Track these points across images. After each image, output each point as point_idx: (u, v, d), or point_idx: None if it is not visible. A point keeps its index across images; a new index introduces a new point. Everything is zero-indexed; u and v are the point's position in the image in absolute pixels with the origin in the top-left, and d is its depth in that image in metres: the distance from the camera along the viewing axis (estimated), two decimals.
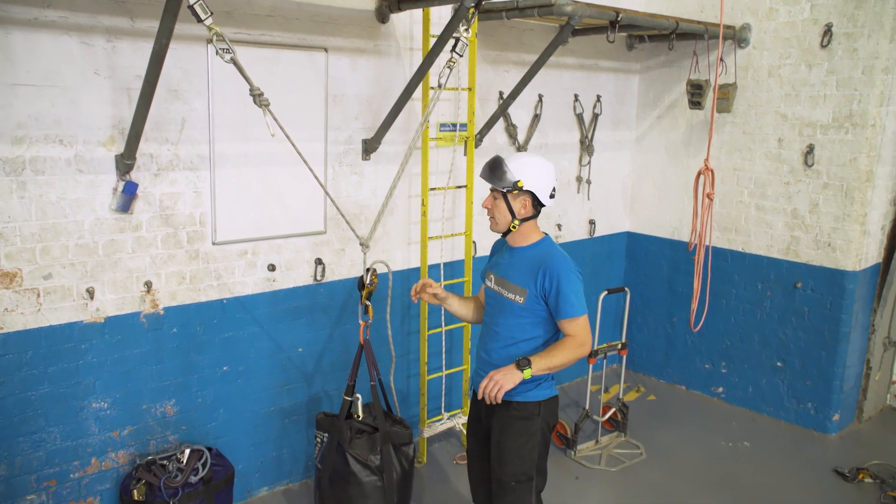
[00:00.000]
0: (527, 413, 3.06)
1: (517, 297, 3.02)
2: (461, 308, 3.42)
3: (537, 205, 3.04)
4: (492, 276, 3.18)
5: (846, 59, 5.05)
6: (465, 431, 5.01)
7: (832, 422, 5.46)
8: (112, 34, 3.39)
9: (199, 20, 2.63)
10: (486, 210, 3.11)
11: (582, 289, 2.99)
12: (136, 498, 3.54)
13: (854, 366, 5.51)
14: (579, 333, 2.95)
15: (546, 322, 3.03)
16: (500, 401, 2.86)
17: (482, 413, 3.23)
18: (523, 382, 2.96)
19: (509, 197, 3.00)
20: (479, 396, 2.91)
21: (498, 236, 3.25)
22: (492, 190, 3.06)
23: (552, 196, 3.07)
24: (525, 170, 2.98)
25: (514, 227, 3.04)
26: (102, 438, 3.71)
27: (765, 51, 5.47)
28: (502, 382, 2.81)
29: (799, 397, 5.58)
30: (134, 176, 3.56)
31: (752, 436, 5.47)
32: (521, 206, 3.01)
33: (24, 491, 3.50)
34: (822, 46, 5.14)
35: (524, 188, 2.97)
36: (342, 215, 3.51)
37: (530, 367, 2.84)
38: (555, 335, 3.08)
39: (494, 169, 3.01)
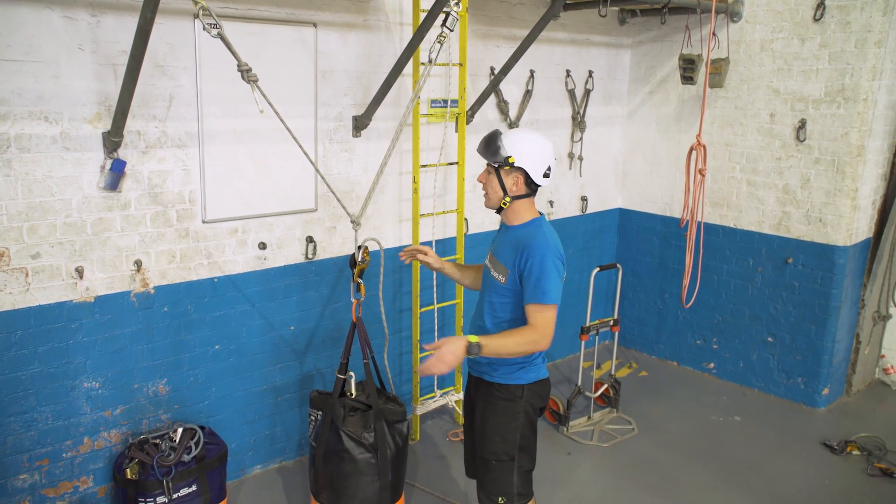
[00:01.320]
0: (510, 395, 3.06)
1: (500, 276, 3.00)
2: (459, 274, 3.44)
3: (531, 183, 2.99)
4: (489, 253, 3.18)
5: (839, 32, 5.02)
6: (457, 409, 5.04)
7: (821, 395, 5.51)
8: (96, 8, 3.32)
9: None
10: (480, 184, 3.09)
11: (559, 277, 2.89)
12: (129, 477, 3.54)
13: (843, 340, 5.55)
14: (540, 325, 2.85)
15: (521, 303, 2.96)
16: (444, 373, 2.75)
17: (472, 389, 3.26)
18: (506, 363, 3.00)
19: (501, 173, 2.97)
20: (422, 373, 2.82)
21: None
22: (487, 164, 3.03)
23: (546, 175, 2.99)
24: (519, 146, 2.93)
25: (504, 204, 3.00)
26: (94, 418, 3.70)
27: (757, 24, 5.43)
28: (445, 362, 2.70)
29: (789, 372, 5.63)
30: (121, 153, 3.51)
31: (743, 410, 5.52)
32: (513, 182, 2.96)
33: (16, 470, 3.50)
34: (815, 20, 5.11)
35: (515, 164, 2.92)
36: (333, 193, 3.48)
37: (477, 353, 2.73)
38: None
39: (489, 143, 2.96)
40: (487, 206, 3.09)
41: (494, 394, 3.08)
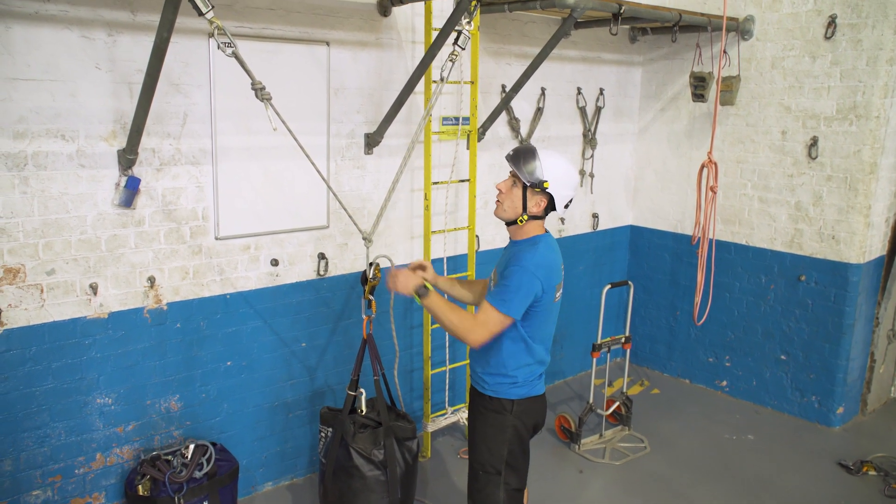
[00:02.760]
0: (499, 408, 3.08)
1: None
2: (449, 289, 3.44)
3: (549, 208, 3.01)
4: (494, 268, 3.20)
5: (850, 50, 5.02)
6: (468, 425, 5.01)
7: (836, 414, 5.45)
8: (113, 28, 3.37)
9: (200, 14, 2.61)
10: (498, 192, 3.03)
11: (525, 296, 2.86)
12: (140, 493, 3.54)
13: (858, 358, 5.50)
14: (481, 321, 2.86)
15: (522, 318, 2.95)
16: (397, 291, 3.01)
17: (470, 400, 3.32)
18: (496, 375, 3.05)
19: (528, 191, 2.95)
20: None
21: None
22: (512, 175, 3.00)
23: (566, 206, 3.05)
24: (556, 172, 2.93)
25: (521, 221, 3.00)
26: (107, 434, 3.72)
27: (768, 42, 5.44)
28: (397, 284, 2.99)
29: (802, 390, 5.57)
30: (136, 171, 3.55)
31: (756, 429, 5.47)
32: (536, 204, 2.97)
33: (29, 486, 3.51)
34: (826, 38, 5.11)
35: (546, 189, 2.93)
36: (345, 209, 3.50)
37: (425, 297, 2.93)
38: (530, 335, 3.00)
39: (527, 159, 2.92)
40: (499, 215, 3.05)
41: (486, 404, 3.13)
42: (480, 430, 3.15)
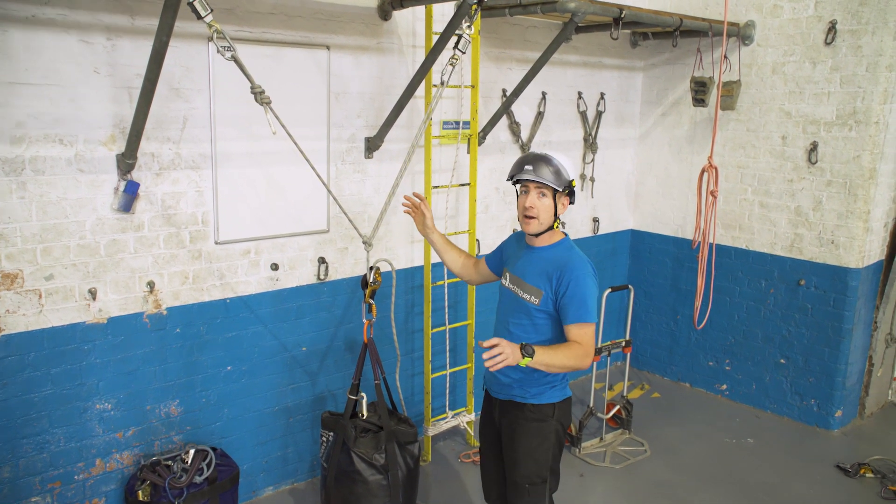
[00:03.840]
0: (542, 416, 3.04)
1: (533, 297, 2.97)
2: (445, 250, 3.41)
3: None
4: (507, 273, 3.15)
5: (850, 56, 5.02)
6: (469, 430, 5.01)
7: (834, 418, 5.45)
8: (112, 32, 3.36)
9: (199, 17, 2.60)
10: (530, 208, 2.94)
11: (596, 295, 2.92)
12: (140, 499, 3.53)
13: (856, 362, 5.50)
14: (585, 342, 2.84)
15: (558, 321, 2.96)
16: (497, 368, 2.60)
17: (495, 412, 3.19)
18: (538, 384, 2.99)
19: (558, 196, 2.95)
20: (486, 364, 2.62)
21: (509, 233, 3.21)
22: (537, 188, 2.93)
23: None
24: (571, 170, 2.97)
25: (557, 227, 2.99)
26: (106, 439, 3.70)
27: (769, 48, 5.44)
28: (507, 356, 2.59)
29: (802, 394, 5.58)
30: (135, 175, 3.54)
31: (756, 432, 5.47)
32: (563, 205, 2.99)
33: (28, 493, 3.49)
34: (827, 43, 5.11)
35: (574, 186, 2.97)
36: (345, 214, 3.49)
37: (532, 357, 2.66)
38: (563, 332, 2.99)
39: (551, 167, 2.90)
40: (537, 230, 2.97)
41: (527, 415, 3.04)
42: (524, 443, 3.05)
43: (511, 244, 3.28)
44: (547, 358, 2.74)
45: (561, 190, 2.91)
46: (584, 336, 2.86)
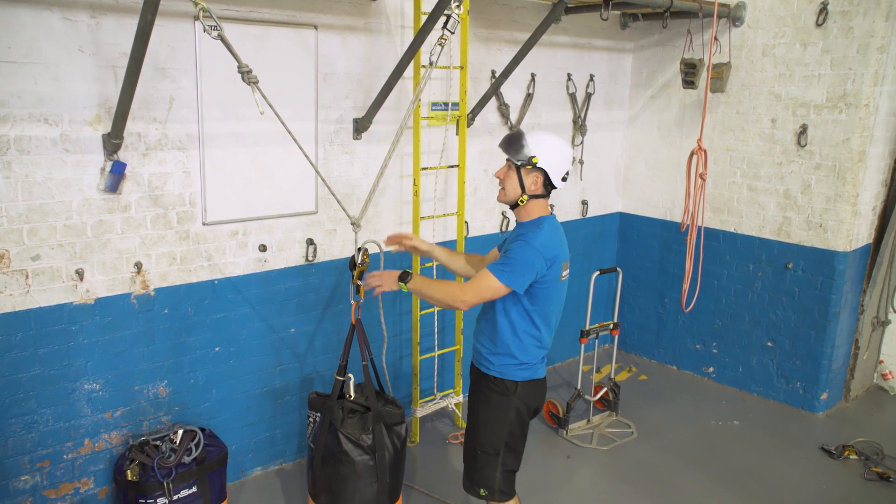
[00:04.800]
0: (504, 390, 3.14)
1: None
2: (447, 259, 3.50)
3: (548, 185, 3.07)
4: (497, 250, 3.30)
5: (841, 37, 5.02)
6: (457, 411, 5.04)
7: (820, 401, 5.50)
8: (96, 10, 3.32)
9: None
10: (497, 180, 3.14)
11: (526, 270, 2.93)
12: (129, 478, 3.54)
13: (843, 346, 5.55)
14: (473, 285, 2.97)
15: (520, 298, 3.03)
16: (376, 294, 3.18)
17: (471, 379, 3.34)
18: (502, 356, 3.10)
19: (522, 171, 3.03)
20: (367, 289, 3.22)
21: (498, 216, 3.29)
22: (507, 160, 3.08)
23: (564, 179, 3.10)
24: (542, 147, 3.01)
25: (522, 202, 3.07)
26: (95, 420, 3.71)
27: (759, 30, 5.43)
28: (383, 282, 3.15)
29: (788, 377, 5.62)
30: (122, 156, 3.51)
31: (742, 415, 5.52)
32: (532, 182, 3.04)
33: (18, 472, 3.50)
34: (818, 25, 5.10)
35: (537, 164, 3.00)
36: (333, 195, 3.48)
37: (408, 282, 3.06)
38: (536, 314, 3.07)
39: (513, 141, 3.04)
40: (502, 200, 3.14)
41: (490, 386, 3.17)
42: (483, 411, 3.20)
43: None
44: (422, 285, 3.08)
45: (518, 163, 3.01)
46: (477, 280, 2.98)
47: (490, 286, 2.95)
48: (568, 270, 3.14)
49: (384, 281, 3.16)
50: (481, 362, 3.22)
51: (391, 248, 3.48)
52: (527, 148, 3.00)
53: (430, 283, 3.10)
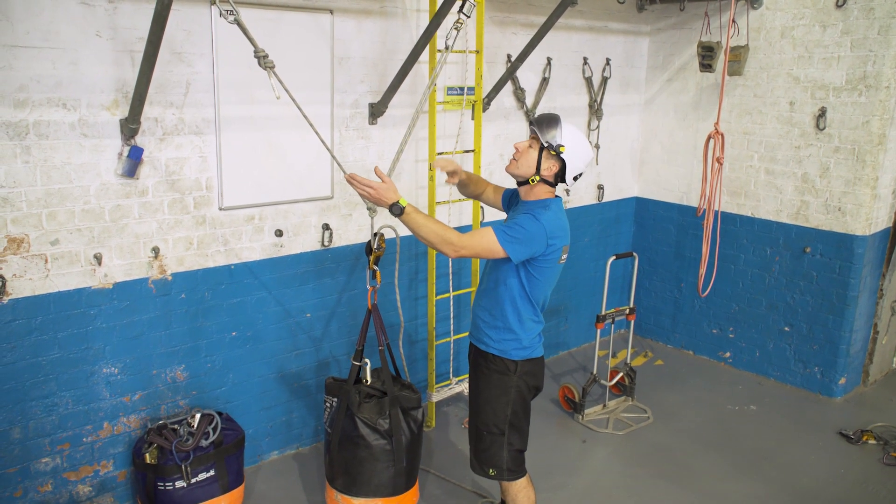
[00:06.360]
0: (503, 368, 3.17)
1: None
2: (467, 181, 3.53)
3: (559, 178, 3.08)
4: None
5: (862, 18, 4.94)
6: (470, 386, 5.04)
7: (838, 385, 5.47)
8: None
9: None
10: (514, 150, 3.12)
11: (528, 238, 2.95)
12: (148, 461, 3.58)
13: (861, 330, 5.50)
14: (468, 237, 2.95)
15: (518, 269, 3.05)
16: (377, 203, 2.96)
17: (470, 357, 3.38)
18: (502, 331, 3.12)
19: (544, 153, 3.03)
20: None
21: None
22: (532, 137, 3.09)
23: (575, 179, 3.12)
24: (573, 140, 3.03)
25: (532, 181, 3.07)
26: (114, 403, 3.74)
27: (778, 11, 5.36)
28: (375, 190, 2.89)
29: (805, 361, 5.59)
30: (139, 140, 3.52)
31: (759, 399, 5.49)
32: (548, 168, 3.05)
33: (38, 454, 3.54)
34: (838, 6, 5.03)
35: (561, 154, 3.01)
36: (343, 172, 3.47)
37: (404, 210, 2.88)
38: (531, 293, 3.10)
39: (550, 122, 3.04)
40: (510, 171, 3.14)
41: (489, 365, 3.20)
42: (485, 391, 3.23)
43: (511, 194, 3.43)
44: (418, 216, 2.91)
45: (545, 145, 3.00)
46: (478, 236, 2.98)
47: (488, 246, 2.95)
48: (567, 255, 3.16)
49: (381, 195, 2.90)
50: (480, 338, 3.24)
51: (445, 175, 3.45)
52: (560, 133, 3.01)
53: (426, 220, 2.93)
